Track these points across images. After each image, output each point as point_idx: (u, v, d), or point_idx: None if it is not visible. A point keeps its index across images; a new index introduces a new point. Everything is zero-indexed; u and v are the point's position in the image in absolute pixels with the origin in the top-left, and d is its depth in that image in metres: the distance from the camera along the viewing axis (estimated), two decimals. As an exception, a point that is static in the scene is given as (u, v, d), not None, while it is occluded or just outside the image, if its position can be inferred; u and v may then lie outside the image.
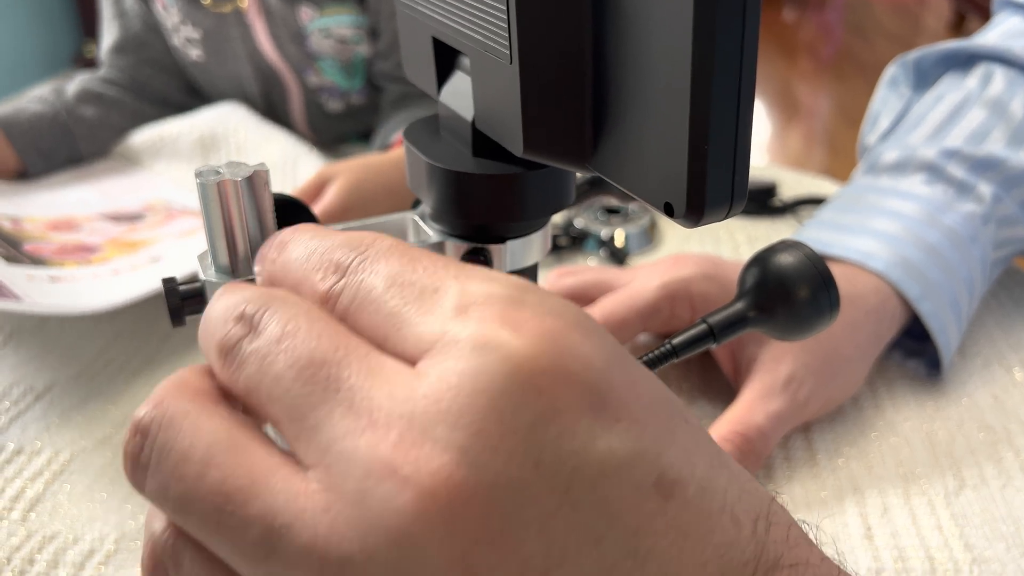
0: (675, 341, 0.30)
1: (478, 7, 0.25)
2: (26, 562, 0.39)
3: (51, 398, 0.50)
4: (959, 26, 4.06)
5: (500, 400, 0.16)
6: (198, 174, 0.26)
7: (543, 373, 0.16)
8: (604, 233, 0.64)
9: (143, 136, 0.83)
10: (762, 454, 0.42)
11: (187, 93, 0.90)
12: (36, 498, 0.42)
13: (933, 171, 0.52)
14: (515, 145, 0.26)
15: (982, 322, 0.56)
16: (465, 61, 0.30)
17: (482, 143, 0.29)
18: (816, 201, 0.72)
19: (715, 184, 0.21)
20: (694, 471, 0.18)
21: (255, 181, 0.27)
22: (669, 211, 0.22)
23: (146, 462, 0.18)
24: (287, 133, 0.80)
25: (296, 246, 0.21)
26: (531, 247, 0.32)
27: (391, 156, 0.63)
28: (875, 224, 0.50)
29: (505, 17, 0.24)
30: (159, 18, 0.84)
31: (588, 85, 0.25)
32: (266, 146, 0.78)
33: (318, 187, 0.58)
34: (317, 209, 0.57)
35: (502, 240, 0.31)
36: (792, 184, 0.77)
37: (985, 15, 3.70)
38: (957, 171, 0.51)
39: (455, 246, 0.31)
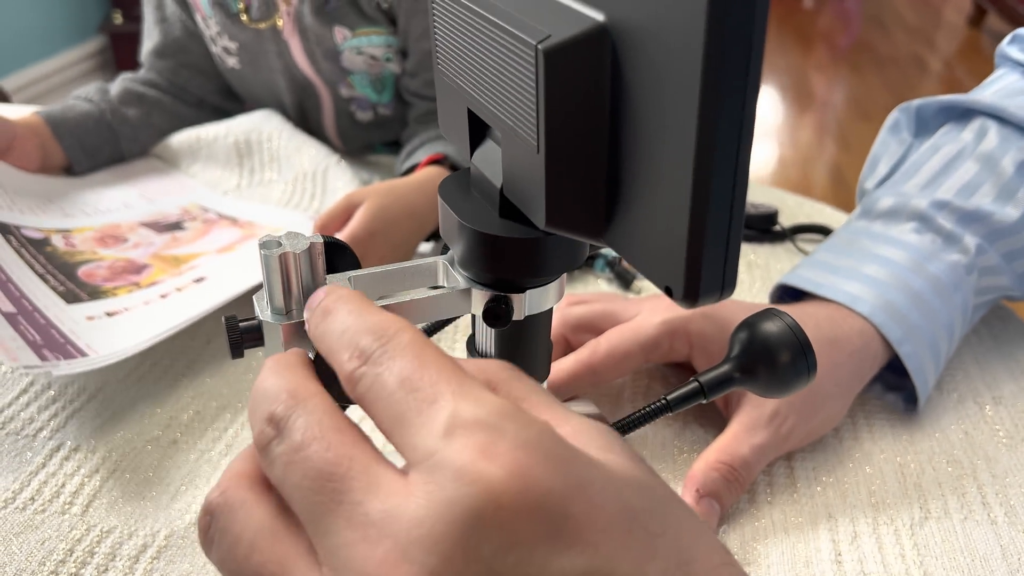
0: (670, 397, 0.34)
1: (511, 98, 0.29)
2: (87, 554, 0.44)
3: (103, 398, 0.55)
4: (979, 21, 4.04)
5: (468, 532, 0.19)
6: (262, 245, 0.31)
7: (507, 508, 0.20)
8: (613, 255, 0.69)
9: (181, 138, 0.87)
10: (746, 482, 0.46)
11: (224, 96, 0.94)
12: (93, 494, 0.47)
13: (923, 220, 0.56)
14: (538, 219, 0.30)
15: (961, 358, 0.60)
16: (496, 133, 0.34)
17: (508, 207, 0.33)
18: (815, 229, 0.76)
19: (709, 275, 0.26)
20: None
21: (312, 252, 0.31)
22: (669, 293, 0.27)
23: (211, 538, 0.23)
24: (318, 143, 0.84)
25: (334, 320, 0.25)
26: (547, 295, 0.36)
27: (413, 181, 0.67)
28: (865, 269, 0.54)
29: (534, 113, 0.28)
30: (199, 26, 0.88)
31: (604, 173, 0.29)
32: (298, 156, 0.82)
33: (346, 211, 0.63)
34: (345, 233, 0.61)
35: (522, 290, 0.35)
36: (793, 209, 0.81)
37: (1005, 11, 3.68)
38: (946, 222, 0.55)
39: (480, 294, 0.35)
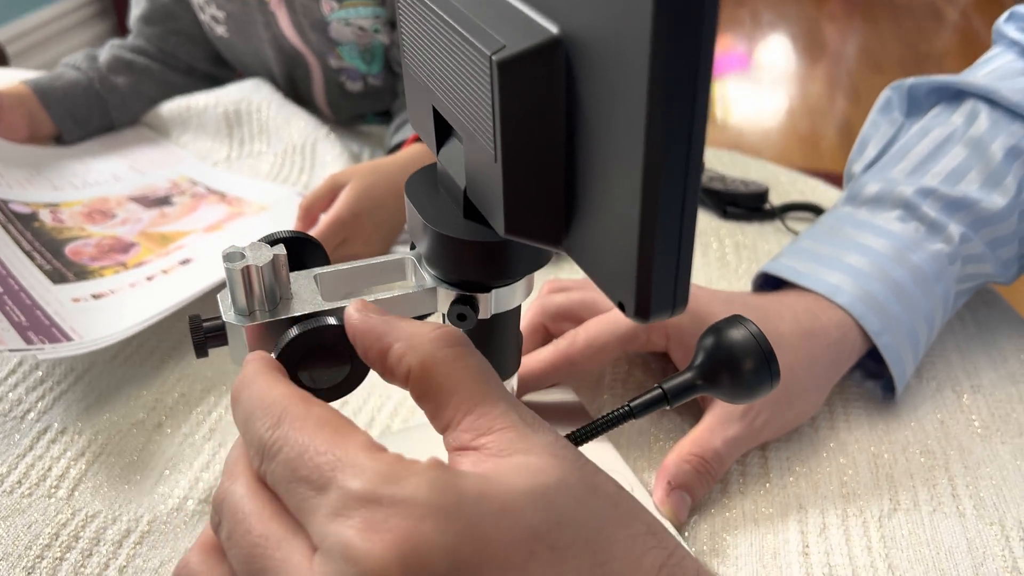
0: (633, 404, 0.35)
1: (470, 103, 0.29)
2: (72, 538, 0.45)
3: (90, 379, 0.56)
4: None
5: None
6: (225, 258, 0.31)
7: None
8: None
9: (171, 107, 0.87)
10: (717, 474, 0.47)
11: (214, 63, 0.93)
12: (79, 477, 0.48)
13: (908, 208, 0.55)
14: (498, 226, 0.30)
15: (943, 345, 0.60)
16: (459, 134, 0.34)
17: (472, 208, 0.33)
18: (806, 207, 0.75)
19: (659, 293, 0.26)
20: None
21: (275, 264, 0.31)
22: (621, 308, 0.27)
23: None
24: (308, 115, 0.83)
25: (238, 410, 0.27)
26: (514, 293, 0.36)
27: (399, 159, 0.67)
28: (847, 258, 0.54)
29: (491, 121, 0.28)
30: (187, -8, 0.87)
31: (561, 183, 0.29)
32: (287, 128, 0.82)
33: (331, 192, 0.63)
34: (330, 214, 0.61)
35: (488, 289, 0.35)
36: (786, 186, 0.80)
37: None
38: (931, 210, 0.55)
39: (446, 293, 0.35)
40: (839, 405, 0.55)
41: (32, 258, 0.63)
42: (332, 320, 0.31)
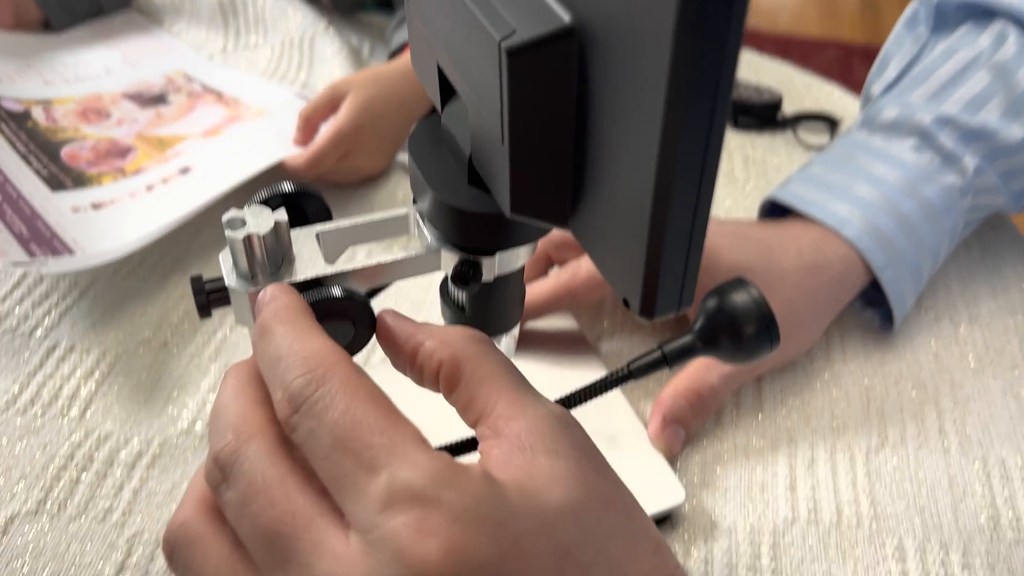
0: (633, 366, 0.35)
1: (477, 80, 0.28)
2: (87, 459, 0.46)
3: (94, 295, 0.56)
4: None
5: None
6: (227, 224, 0.31)
7: None
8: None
9: (162, -9, 0.83)
10: (712, 407, 0.48)
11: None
12: (89, 397, 0.50)
13: (925, 138, 0.54)
14: (504, 204, 0.30)
15: (945, 273, 0.60)
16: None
17: (476, 175, 0.33)
18: (819, 117, 0.73)
19: (665, 294, 0.26)
20: None
21: (277, 230, 0.31)
22: (626, 305, 0.27)
23: (176, 567, 0.25)
24: (305, 6, 0.79)
25: (269, 343, 0.26)
26: (518, 255, 0.36)
27: (401, 66, 0.64)
28: (857, 188, 0.53)
29: (499, 104, 0.27)
30: None
31: (570, 168, 0.28)
32: (284, 20, 0.79)
33: (331, 102, 0.61)
34: (332, 129, 0.60)
35: (491, 253, 0.35)
36: (800, 91, 0.78)
37: None
38: (947, 141, 0.53)
39: (448, 256, 0.35)
40: (836, 335, 0.55)
41: (28, 162, 0.62)
42: (337, 290, 0.31)
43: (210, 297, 0.33)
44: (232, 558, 0.24)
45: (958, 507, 0.46)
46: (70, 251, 0.53)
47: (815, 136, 0.73)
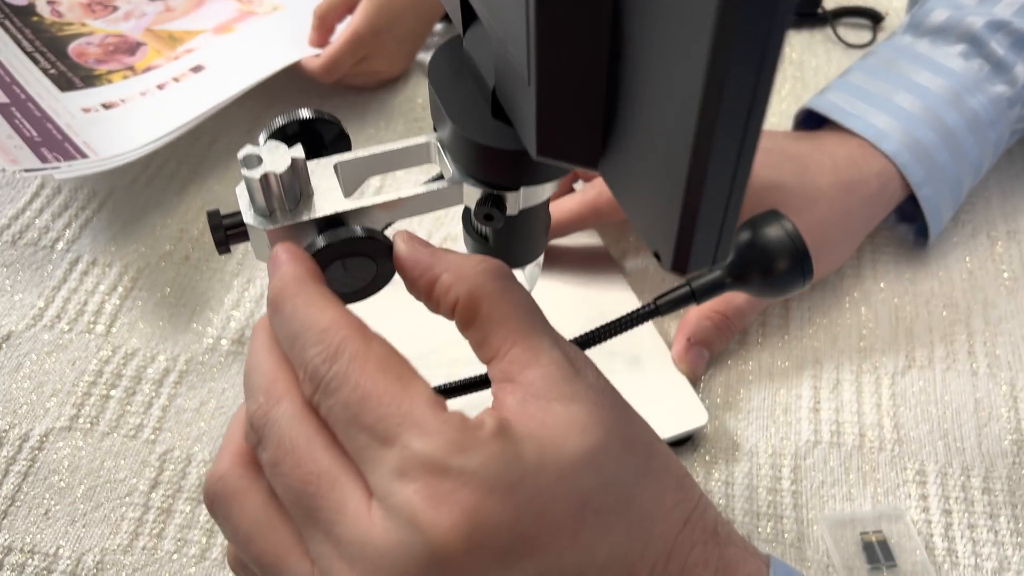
0: (660, 302, 0.34)
1: (502, 10, 0.26)
2: (115, 376, 0.47)
3: (113, 205, 0.56)
4: None
5: (425, 570, 0.21)
6: (243, 162, 0.29)
7: (457, 552, 0.21)
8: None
9: None
10: (737, 329, 0.48)
11: None
12: (115, 313, 0.50)
13: (974, 43, 0.51)
14: (530, 146, 0.29)
15: (984, 184, 0.58)
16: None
17: (500, 107, 0.31)
18: (861, 12, 0.69)
19: (700, 249, 0.25)
20: (594, 560, 0.23)
21: (295, 167, 0.30)
22: (657, 258, 0.26)
23: (216, 517, 0.26)
24: None
25: (283, 320, 0.26)
26: (544, 188, 0.35)
27: (422, -37, 0.61)
28: (898, 98, 0.51)
29: (525, 41, 0.26)
30: None
31: (601, 109, 0.27)
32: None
33: (347, 2, 0.58)
34: (348, 31, 0.57)
35: (515, 187, 0.34)
36: (844, -17, 0.73)
37: None
38: (999, 47, 0.50)
39: (471, 190, 0.34)
40: (868, 251, 0.54)
41: (35, 60, 0.60)
42: (357, 230, 0.30)
43: (228, 233, 0.32)
44: (268, 510, 0.25)
45: (982, 431, 0.45)
46: (82, 154, 0.52)
47: (856, 33, 0.69)
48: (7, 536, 0.41)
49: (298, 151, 0.31)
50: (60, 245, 0.53)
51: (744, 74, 0.20)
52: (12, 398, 0.46)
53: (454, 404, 0.25)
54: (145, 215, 0.55)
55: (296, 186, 0.31)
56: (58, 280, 0.51)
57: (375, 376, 0.23)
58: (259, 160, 0.30)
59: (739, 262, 0.34)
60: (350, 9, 0.59)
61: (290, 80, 0.60)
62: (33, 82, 0.58)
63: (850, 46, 0.67)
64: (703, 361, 0.47)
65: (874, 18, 0.69)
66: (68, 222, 0.55)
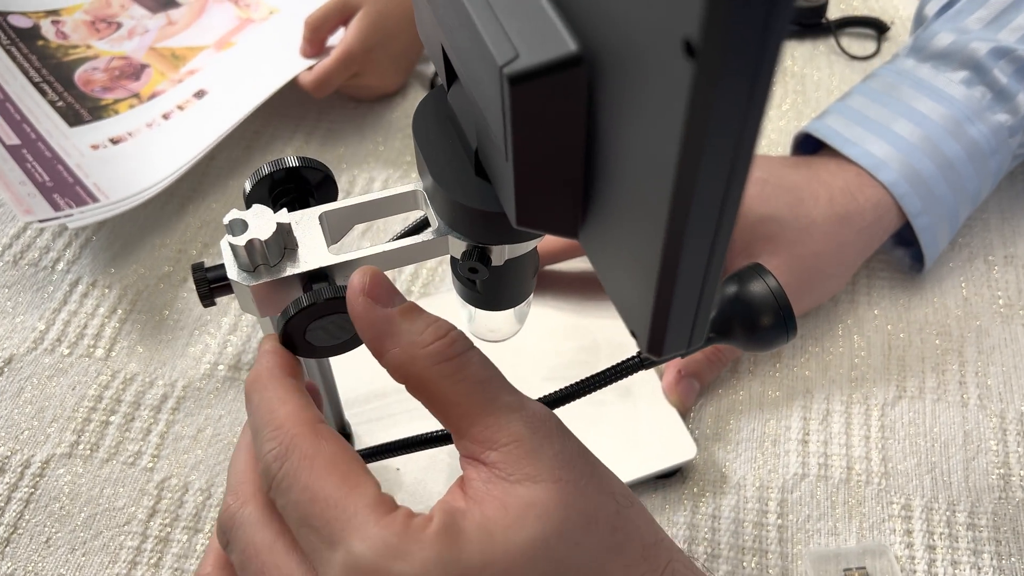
0: (644, 355, 0.35)
1: (481, 88, 0.26)
2: (115, 401, 0.48)
3: (112, 226, 0.56)
4: None
5: None
6: (229, 228, 0.30)
7: None
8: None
9: None
10: (727, 360, 0.48)
11: None
12: (114, 336, 0.51)
13: (978, 70, 0.50)
14: (510, 215, 0.29)
15: (983, 205, 0.57)
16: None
17: (483, 169, 0.31)
18: (865, 22, 0.68)
19: (675, 334, 0.25)
20: None
21: (280, 231, 0.30)
22: (634, 336, 0.26)
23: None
24: None
25: (250, 415, 0.27)
26: (529, 242, 0.35)
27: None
28: (897, 126, 0.50)
29: (501, 122, 0.26)
30: None
31: (579, 186, 0.27)
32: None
33: (340, 13, 0.58)
34: (340, 48, 0.57)
35: (499, 242, 0.34)
36: (850, -10, 0.72)
37: None
38: (1002, 75, 0.50)
39: (456, 242, 0.34)
40: (863, 276, 0.54)
41: (44, 92, 0.60)
42: (337, 290, 0.30)
43: (212, 287, 0.33)
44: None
45: (970, 464, 0.46)
46: (93, 198, 0.53)
47: (860, 44, 0.68)
48: (10, 564, 0.42)
49: (283, 216, 0.31)
50: (60, 266, 0.54)
51: (718, 164, 0.20)
52: (14, 423, 0.47)
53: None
54: (144, 235, 0.56)
55: (280, 243, 0.32)
56: (58, 302, 0.52)
57: (321, 476, 0.24)
58: (244, 226, 0.30)
59: (722, 318, 0.34)
60: (344, 20, 0.59)
61: (289, 92, 0.60)
62: (42, 117, 0.58)
63: (854, 58, 0.67)
64: (693, 392, 0.47)
65: (879, 28, 0.68)
66: (68, 242, 0.55)
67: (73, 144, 0.56)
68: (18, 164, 0.53)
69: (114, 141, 0.57)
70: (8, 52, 0.62)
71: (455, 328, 0.28)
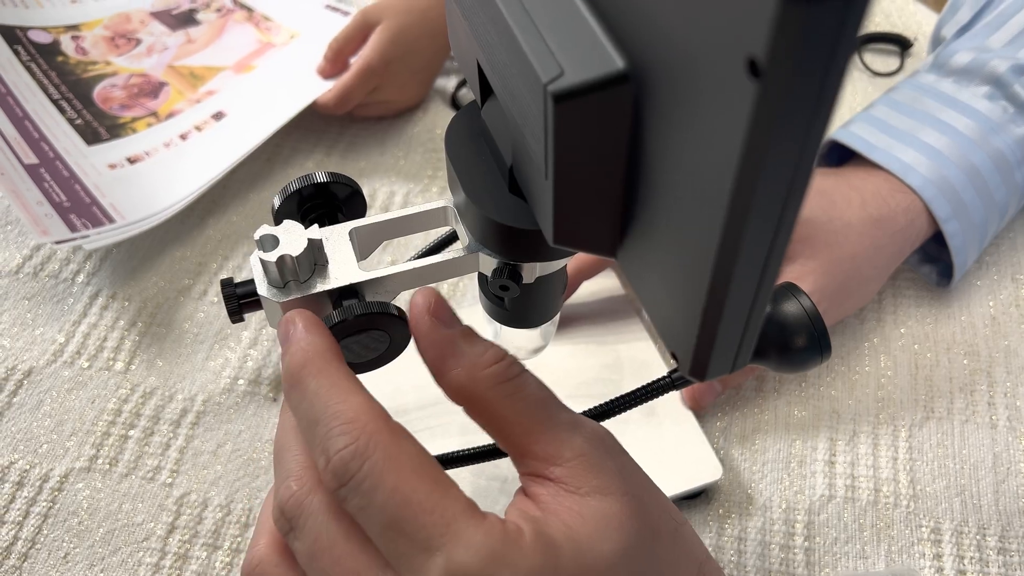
0: (675, 375, 0.34)
1: (520, 105, 0.26)
2: (134, 415, 0.47)
3: (133, 238, 0.56)
4: None
5: None
6: (259, 243, 0.29)
7: None
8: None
9: None
10: (755, 370, 0.47)
11: None
12: (134, 349, 0.50)
13: (999, 85, 0.50)
14: (547, 232, 0.28)
15: (1009, 225, 0.57)
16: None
17: (517, 184, 0.31)
18: (889, 38, 0.68)
19: (720, 356, 0.24)
20: None
21: (311, 247, 0.30)
22: (675, 359, 0.26)
23: None
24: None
25: (302, 400, 0.25)
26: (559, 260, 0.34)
27: (435, -8, 0.60)
28: (924, 135, 0.50)
29: (543, 140, 0.25)
30: None
31: (619, 205, 0.26)
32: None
33: (362, 32, 0.58)
34: (360, 62, 0.57)
35: (531, 259, 0.34)
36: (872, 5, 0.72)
37: None
38: (1023, 90, 0.49)
39: (487, 259, 0.34)
40: (889, 294, 0.53)
41: (62, 110, 0.60)
42: (371, 306, 0.30)
43: (241, 303, 0.33)
44: None
45: (1000, 487, 0.45)
46: (110, 219, 0.53)
47: (883, 60, 0.68)
48: (27, 579, 0.41)
49: (314, 232, 0.31)
50: (80, 278, 0.54)
51: (778, 178, 0.20)
52: (33, 436, 0.46)
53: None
54: (164, 247, 0.55)
55: (311, 258, 0.31)
56: (78, 314, 0.52)
57: (411, 480, 0.23)
58: (275, 241, 0.30)
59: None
60: (365, 40, 0.59)
61: (310, 107, 0.60)
62: (61, 136, 0.58)
63: (876, 74, 0.66)
64: (714, 392, 0.46)
65: (902, 45, 0.68)
66: (88, 255, 0.55)
67: (91, 163, 0.57)
68: (36, 183, 0.53)
69: (131, 161, 0.57)
70: (28, 68, 0.62)
71: (510, 354, 0.28)
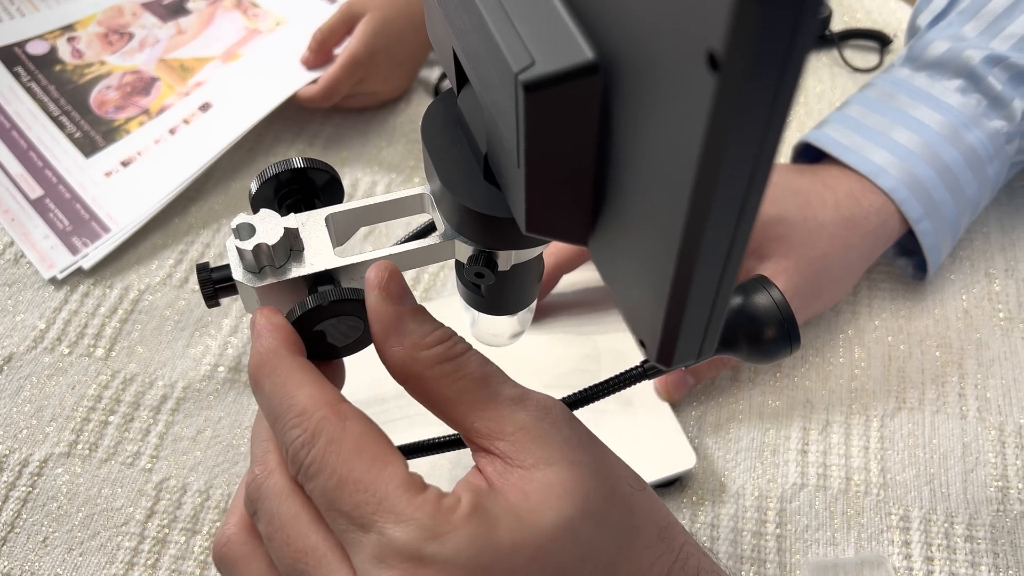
0: (647, 365, 0.35)
1: (493, 93, 0.26)
2: (114, 401, 0.48)
3: (114, 224, 0.56)
4: None
5: None
6: (235, 232, 0.30)
7: None
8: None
9: None
10: (729, 363, 0.48)
11: None
12: (114, 336, 0.50)
13: (972, 78, 0.51)
14: (519, 221, 0.29)
15: (984, 218, 0.58)
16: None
17: (492, 173, 0.31)
18: (869, 35, 0.69)
19: (686, 344, 0.25)
20: None
21: (288, 235, 0.30)
22: (642, 346, 0.26)
23: None
24: None
25: (263, 401, 0.27)
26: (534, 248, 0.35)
27: (424, -18, 0.61)
28: (896, 134, 0.50)
29: (514, 128, 0.26)
30: None
31: (590, 193, 0.27)
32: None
33: (346, 23, 0.58)
34: (344, 54, 0.57)
35: (506, 247, 0.34)
36: (852, 3, 0.72)
37: None
38: (996, 82, 0.50)
39: (462, 247, 0.34)
40: (864, 287, 0.54)
41: (62, 126, 0.61)
42: (343, 292, 0.30)
43: (216, 288, 0.33)
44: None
45: (968, 476, 0.46)
46: (106, 229, 0.54)
47: (863, 57, 0.69)
48: (6, 563, 0.42)
49: (291, 220, 0.31)
50: (61, 264, 0.54)
51: (739, 168, 0.20)
52: (12, 422, 0.47)
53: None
54: (146, 235, 0.55)
55: (287, 245, 0.32)
56: (59, 301, 0.52)
57: (350, 460, 0.24)
58: (251, 230, 0.30)
59: (726, 329, 0.34)
60: (350, 31, 0.59)
61: (293, 97, 0.60)
62: (61, 155, 0.59)
63: (856, 70, 0.67)
64: (686, 387, 0.47)
65: (882, 41, 0.68)
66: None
67: (89, 177, 0.58)
68: (41, 217, 0.55)
69: (124, 164, 0.59)
70: (28, 89, 0.63)
71: (456, 333, 0.28)
